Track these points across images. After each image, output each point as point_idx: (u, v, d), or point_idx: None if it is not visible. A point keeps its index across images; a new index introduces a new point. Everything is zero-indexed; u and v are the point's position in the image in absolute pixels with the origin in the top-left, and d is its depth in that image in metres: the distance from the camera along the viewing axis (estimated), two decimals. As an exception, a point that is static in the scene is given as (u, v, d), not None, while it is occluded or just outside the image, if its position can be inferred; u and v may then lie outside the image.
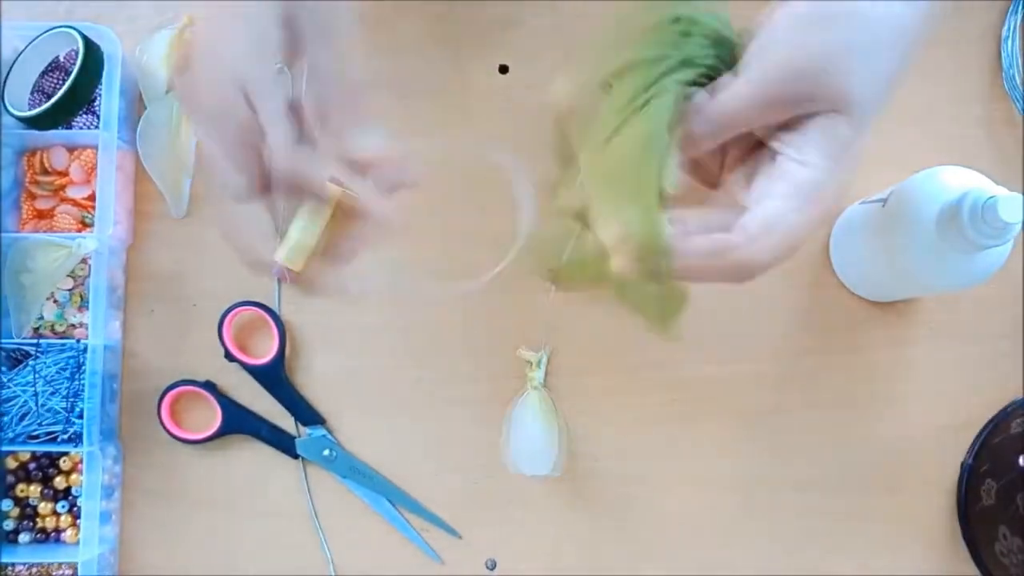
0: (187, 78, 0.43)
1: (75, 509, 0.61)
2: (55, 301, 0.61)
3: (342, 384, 0.63)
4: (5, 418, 0.59)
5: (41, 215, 0.62)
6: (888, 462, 0.62)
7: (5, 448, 0.59)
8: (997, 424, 0.62)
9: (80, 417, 0.59)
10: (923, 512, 0.62)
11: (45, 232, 0.61)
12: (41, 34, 0.62)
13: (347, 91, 0.44)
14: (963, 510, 0.61)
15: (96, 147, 0.61)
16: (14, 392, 0.59)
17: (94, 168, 0.62)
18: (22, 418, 0.59)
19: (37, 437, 0.59)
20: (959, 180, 0.51)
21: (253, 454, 0.62)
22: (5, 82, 0.62)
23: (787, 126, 0.40)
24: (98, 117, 0.62)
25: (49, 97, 0.62)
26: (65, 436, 0.59)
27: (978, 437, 0.62)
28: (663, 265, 0.39)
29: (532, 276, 0.62)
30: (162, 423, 0.61)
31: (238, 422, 0.62)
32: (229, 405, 0.62)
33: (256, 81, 0.42)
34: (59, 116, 0.62)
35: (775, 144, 0.40)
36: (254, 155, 0.42)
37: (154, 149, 0.63)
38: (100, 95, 0.62)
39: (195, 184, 0.64)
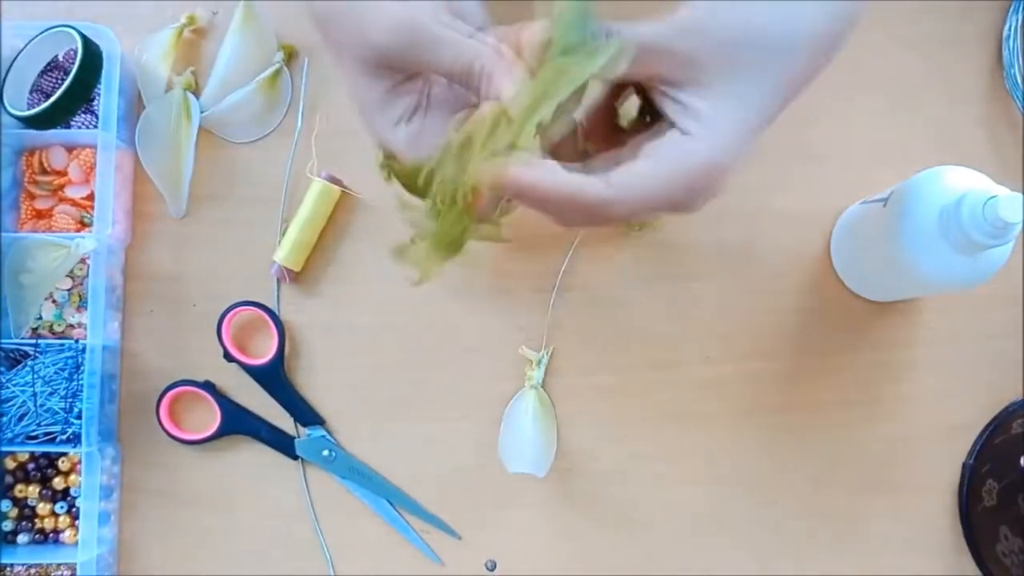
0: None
1: (74, 510, 0.61)
2: (54, 301, 0.61)
3: (342, 384, 0.63)
4: (4, 418, 0.58)
5: (40, 215, 0.62)
6: (889, 462, 0.62)
7: (4, 448, 0.59)
8: (998, 424, 0.62)
9: (79, 417, 0.58)
10: (924, 512, 0.62)
11: (44, 232, 0.61)
12: (40, 33, 0.62)
13: None
14: (964, 511, 0.61)
15: (95, 147, 0.61)
16: (12, 392, 0.59)
17: (93, 168, 0.62)
18: (21, 418, 0.59)
19: (36, 437, 0.59)
20: (960, 180, 0.51)
21: (252, 455, 0.62)
22: (4, 81, 0.62)
23: (681, 87, 0.41)
24: (97, 117, 0.62)
25: (48, 96, 0.62)
26: (64, 437, 0.59)
27: (979, 437, 0.62)
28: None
29: (534, 276, 0.63)
30: (161, 423, 0.61)
31: (237, 423, 0.62)
32: (228, 405, 0.62)
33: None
34: (58, 115, 0.62)
35: (668, 106, 0.42)
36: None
37: (153, 149, 0.63)
38: (99, 94, 0.62)
39: (194, 184, 0.64)
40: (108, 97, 0.60)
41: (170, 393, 0.62)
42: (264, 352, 0.62)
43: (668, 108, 0.42)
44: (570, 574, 0.61)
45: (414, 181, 0.46)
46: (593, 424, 0.62)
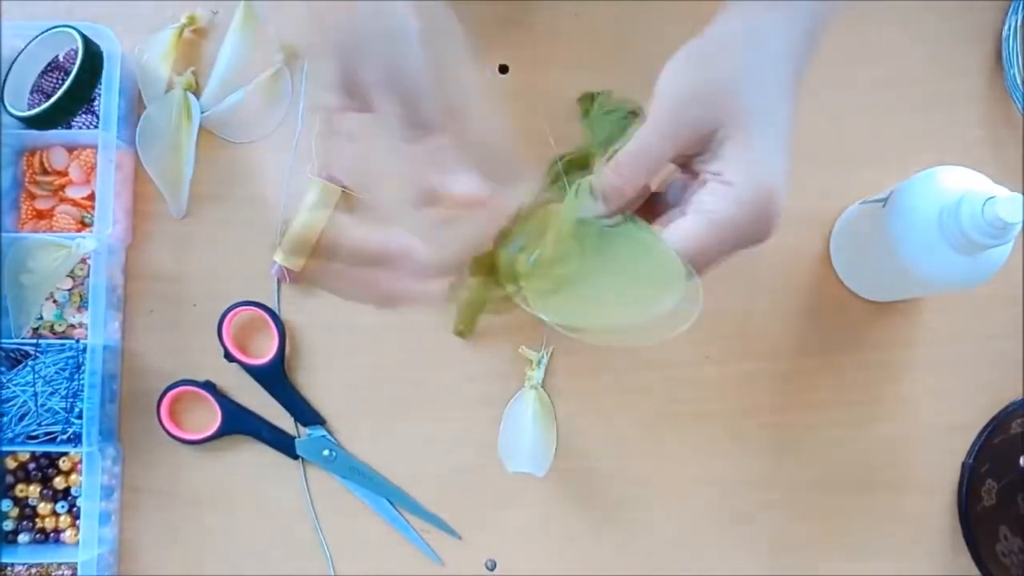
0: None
1: (74, 509, 0.61)
2: (54, 301, 0.61)
3: (342, 384, 0.63)
4: (4, 418, 0.59)
5: (40, 215, 0.62)
6: (889, 462, 0.62)
7: (4, 448, 0.59)
8: (998, 424, 0.62)
9: (79, 417, 0.58)
10: (924, 512, 0.62)
11: (44, 232, 0.61)
12: (40, 33, 0.62)
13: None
14: (964, 511, 0.61)
15: (95, 147, 0.61)
16: (13, 392, 0.59)
17: (93, 168, 0.62)
18: (21, 418, 0.59)
19: (36, 437, 0.59)
20: (959, 180, 0.51)
21: (253, 454, 0.62)
22: (4, 82, 0.62)
23: (702, 153, 0.44)
24: (97, 117, 0.62)
25: (48, 97, 0.62)
26: (64, 436, 0.59)
27: (978, 437, 0.62)
28: None
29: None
30: (161, 423, 0.61)
31: (238, 422, 0.62)
32: (229, 405, 0.62)
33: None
34: (58, 116, 0.62)
35: (697, 164, 0.44)
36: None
37: (154, 149, 0.63)
38: (99, 95, 0.62)
39: (195, 184, 0.64)
40: (108, 97, 0.60)
41: (171, 393, 0.62)
42: (264, 352, 0.62)
43: (698, 165, 0.44)
44: (570, 574, 0.62)
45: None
46: (593, 424, 0.62)
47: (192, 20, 0.64)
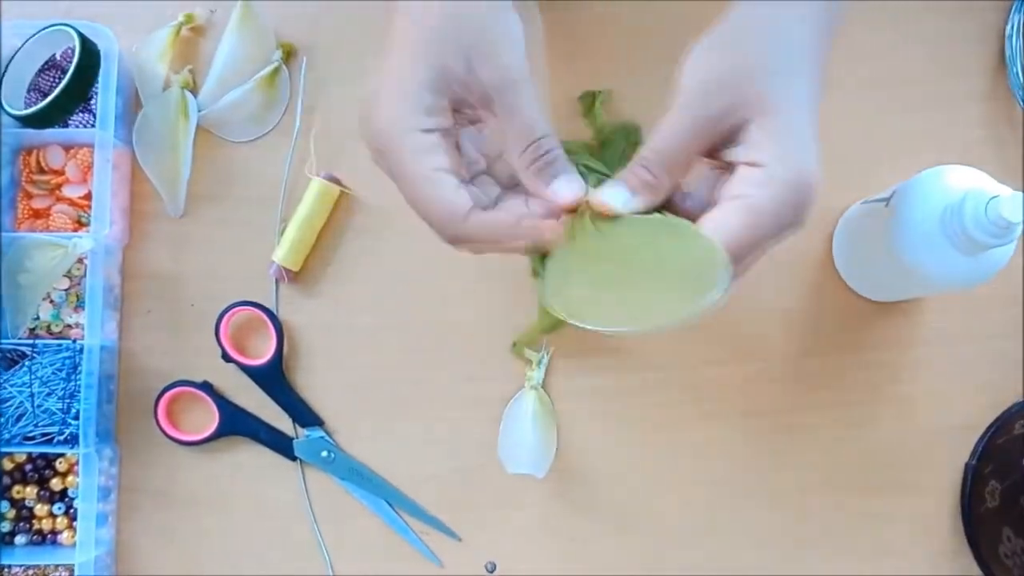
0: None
1: (71, 511, 0.60)
2: (51, 301, 0.61)
3: (340, 385, 0.62)
4: (1, 419, 0.58)
5: (37, 214, 0.62)
6: (891, 463, 0.62)
7: (1, 449, 0.59)
8: (1001, 425, 0.61)
9: (76, 418, 0.58)
10: (926, 514, 0.62)
11: (41, 231, 0.61)
12: (38, 32, 0.62)
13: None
14: (967, 512, 0.61)
15: (92, 146, 0.61)
16: (10, 393, 0.59)
17: (90, 167, 0.61)
18: (18, 419, 0.59)
19: (33, 438, 0.59)
20: (962, 179, 0.51)
21: (251, 456, 0.62)
22: (1, 80, 0.62)
23: (731, 143, 0.43)
24: (94, 116, 0.62)
25: (45, 95, 0.61)
26: (61, 437, 0.59)
27: (982, 438, 0.62)
28: None
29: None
30: (159, 424, 0.61)
31: (235, 423, 0.61)
32: (226, 406, 0.62)
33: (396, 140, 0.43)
34: (55, 114, 0.61)
35: (729, 158, 0.43)
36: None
37: (151, 148, 0.63)
38: (96, 93, 0.62)
39: (192, 183, 0.63)
40: (106, 96, 0.60)
41: (168, 394, 0.61)
42: (262, 352, 0.62)
43: (728, 155, 0.43)
44: (570, 574, 0.61)
45: None
46: (593, 425, 0.62)
47: (189, 18, 0.64)
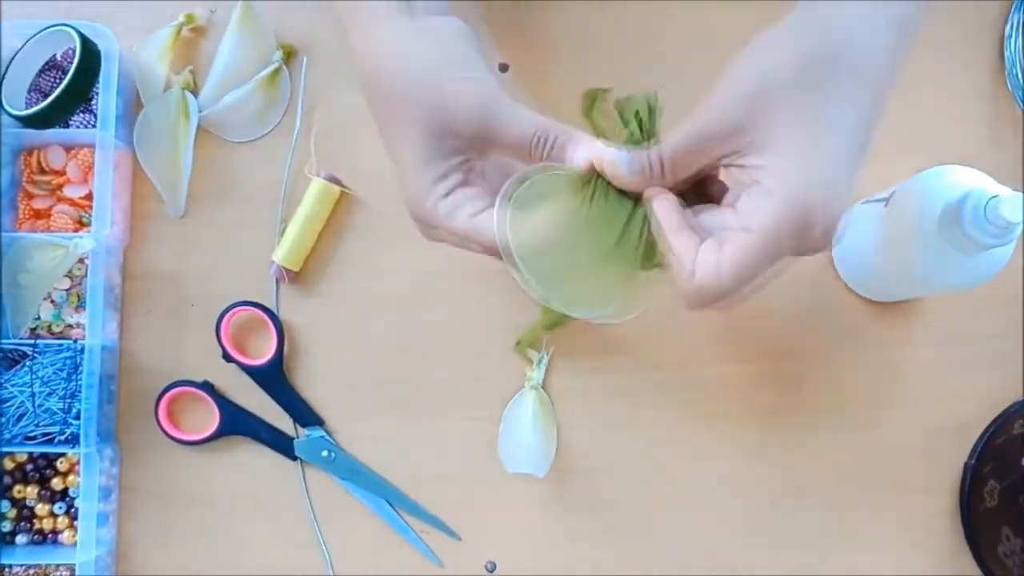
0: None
1: (72, 511, 0.61)
2: (52, 301, 0.61)
3: (341, 385, 0.62)
4: (2, 419, 0.58)
5: (38, 215, 0.62)
6: (890, 463, 0.62)
7: (2, 449, 0.59)
8: (1000, 425, 0.61)
9: (77, 418, 0.58)
10: (925, 513, 0.62)
11: (42, 232, 0.61)
12: (38, 32, 0.62)
13: None
14: (966, 511, 0.61)
15: (93, 146, 0.61)
16: (11, 393, 0.59)
17: (91, 167, 0.61)
18: (19, 419, 0.59)
19: (34, 438, 0.59)
20: (961, 179, 0.51)
21: (251, 455, 0.62)
22: (2, 81, 0.62)
23: (742, 154, 0.43)
24: (95, 116, 0.62)
25: (46, 96, 0.62)
26: (62, 437, 0.59)
27: (981, 438, 0.62)
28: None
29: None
30: (160, 424, 0.61)
31: (236, 423, 0.62)
32: (227, 406, 0.62)
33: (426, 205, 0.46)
34: (56, 115, 0.61)
35: (734, 174, 0.44)
36: None
37: (152, 148, 0.63)
38: (97, 94, 0.62)
39: (193, 183, 0.63)
40: (106, 96, 0.60)
41: (169, 393, 0.61)
42: (263, 352, 0.62)
43: (735, 175, 0.44)
44: (570, 574, 0.61)
45: None
46: (593, 424, 0.62)
47: (190, 19, 0.64)
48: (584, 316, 0.45)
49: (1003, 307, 0.63)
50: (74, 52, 0.60)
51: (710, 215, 0.44)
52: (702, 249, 0.43)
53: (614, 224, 0.45)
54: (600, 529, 0.62)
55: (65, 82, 0.60)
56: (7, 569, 0.60)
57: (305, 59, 0.64)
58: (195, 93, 0.64)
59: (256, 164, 0.64)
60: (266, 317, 0.62)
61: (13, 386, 0.59)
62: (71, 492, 0.61)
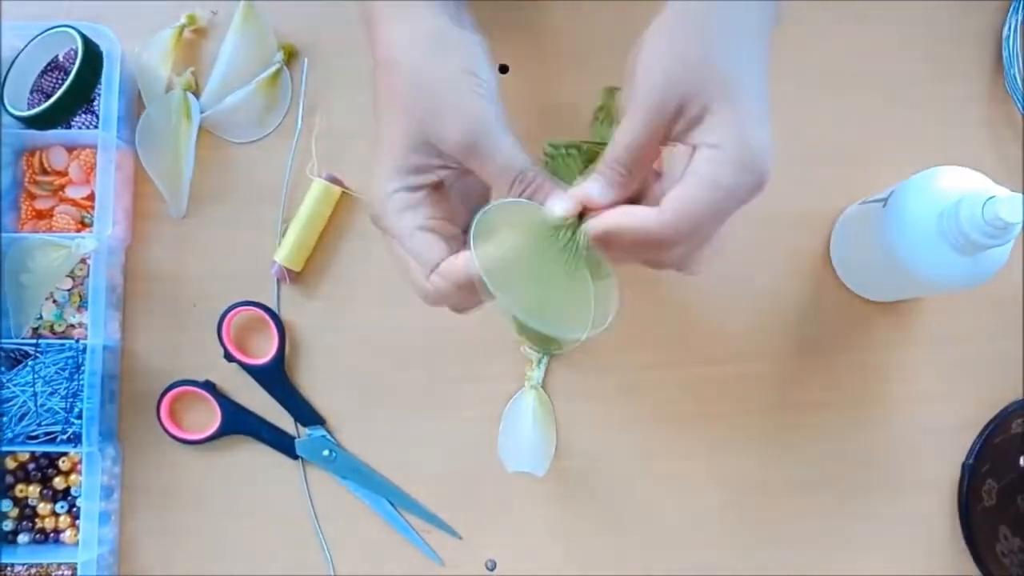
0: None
1: (74, 510, 0.61)
2: (54, 301, 0.61)
3: (342, 384, 0.63)
4: (4, 418, 0.58)
5: (40, 215, 0.62)
6: (889, 462, 0.62)
7: (4, 448, 0.59)
8: (998, 424, 0.62)
9: (79, 417, 0.58)
10: (924, 512, 0.62)
11: (44, 232, 0.61)
12: (40, 33, 0.62)
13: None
14: (964, 511, 0.61)
15: (95, 147, 0.61)
16: (13, 392, 0.59)
17: (93, 168, 0.62)
18: (21, 418, 0.59)
19: (36, 437, 0.59)
20: (960, 180, 0.51)
21: (253, 455, 0.62)
22: (4, 81, 0.62)
23: (692, 127, 0.44)
24: (97, 117, 0.62)
25: (48, 97, 0.62)
26: (64, 436, 0.59)
27: (979, 437, 0.62)
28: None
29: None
30: (161, 423, 0.61)
31: (238, 422, 0.62)
32: (229, 405, 0.62)
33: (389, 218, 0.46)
34: (58, 116, 0.62)
35: (691, 140, 0.44)
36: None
37: (153, 149, 0.63)
38: (99, 95, 0.62)
39: (194, 184, 0.64)
40: (108, 97, 0.60)
41: (170, 393, 0.62)
42: (264, 352, 0.62)
43: (689, 137, 0.44)
44: (570, 574, 0.62)
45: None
46: (593, 424, 0.62)
47: (192, 20, 0.64)
48: (544, 330, 0.45)
49: (1001, 307, 0.63)
50: (76, 53, 0.60)
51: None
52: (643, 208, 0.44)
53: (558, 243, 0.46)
54: (600, 528, 0.62)
55: (67, 83, 0.60)
56: (9, 568, 0.60)
57: (306, 60, 0.65)
58: (197, 94, 0.64)
59: (257, 165, 0.64)
60: (267, 317, 0.62)
61: (15, 385, 0.59)
62: (73, 491, 0.61)
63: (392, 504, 0.62)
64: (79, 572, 0.58)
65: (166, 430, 0.61)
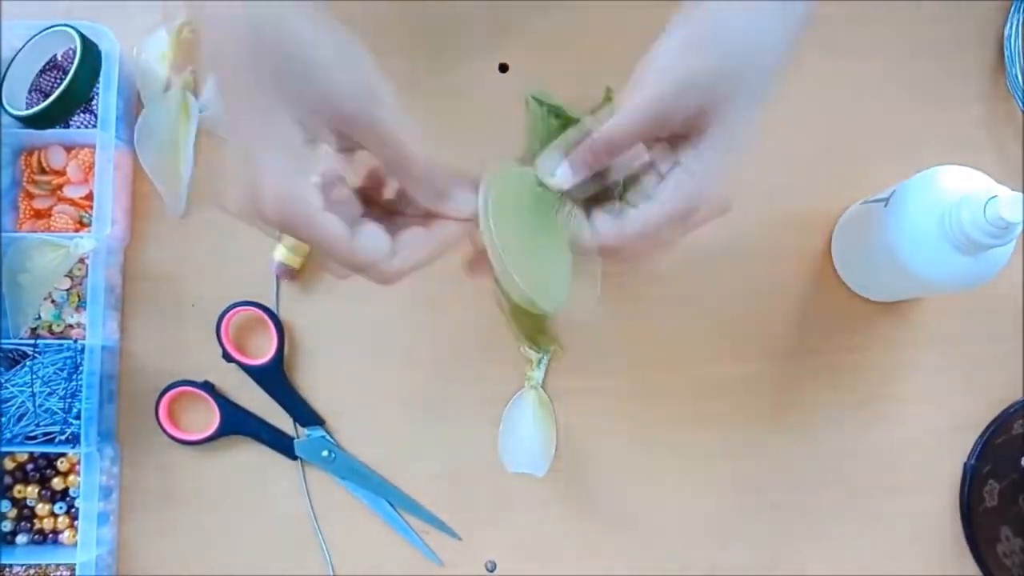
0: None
1: (73, 510, 0.61)
2: (52, 301, 0.61)
3: (341, 385, 0.62)
4: (2, 419, 0.58)
5: (38, 215, 0.62)
6: (890, 463, 0.62)
7: (3, 449, 0.59)
8: (999, 425, 0.62)
9: (78, 418, 0.58)
10: (925, 513, 0.62)
11: (43, 232, 0.61)
12: (39, 33, 0.62)
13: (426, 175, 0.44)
14: (965, 511, 0.61)
15: (94, 146, 0.61)
16: (11, 393, 0.59)
17: (92, 167, 0.61)
18: (19, 419, 0.59)
19: (35, 438, 0.59)
20: (961, 180, 0.51)
21: (251, 455, 0.62)
22: (3, 81, 0.62)
23: (677, 140, 0.44)
24: (96, 116, 0.62)
25: (47, 96, 0.62)
26: (63, 437, 0.59)
27: (980, 438, 0.62)
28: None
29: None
30: (160, 424, 0.61)
31: (236, 423, 0.62)
32: (227, 406, 0.62)
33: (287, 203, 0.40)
34: (57, 115, 0.61)
35: (672, 155, 0.45)
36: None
37: (152, 148, 0.63)
38: (98, 94, 0.62)
39: (193, 183, 0.63)
40: (107, 97, 0.60)
41: (169, 393, 0.61)
42: (263, 352, 0.62)
43: (671, 145, 0.45)
44: (570, 574, 0.61)
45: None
46: (593, 424, 0.62)
47: (191, 20, 0.64)
48: (536, 299, 0.45)
49: (1003, 307, 0.63)
50: (74, 53, 0.60)
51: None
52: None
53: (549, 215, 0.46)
54: (600, 528, 0.62)
55: (66, 82, 0.60)
56: (7, 569, 0.60)
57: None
58: (196, 93, 0.64)
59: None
60: (266, 317, 0.62)
61: (14, 386, 0.59)
62: (71, 492, 0.61)
63: (391, 504, 0.62)
64: (78, 573, 0.58)
65: (165, 430, 0.61)
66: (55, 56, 0.64)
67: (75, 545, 0.59)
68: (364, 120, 0.41)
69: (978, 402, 0.62)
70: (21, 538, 0.60)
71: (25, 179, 0.63)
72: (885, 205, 0.54)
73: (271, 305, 0.63)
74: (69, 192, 0.62)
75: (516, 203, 0.45)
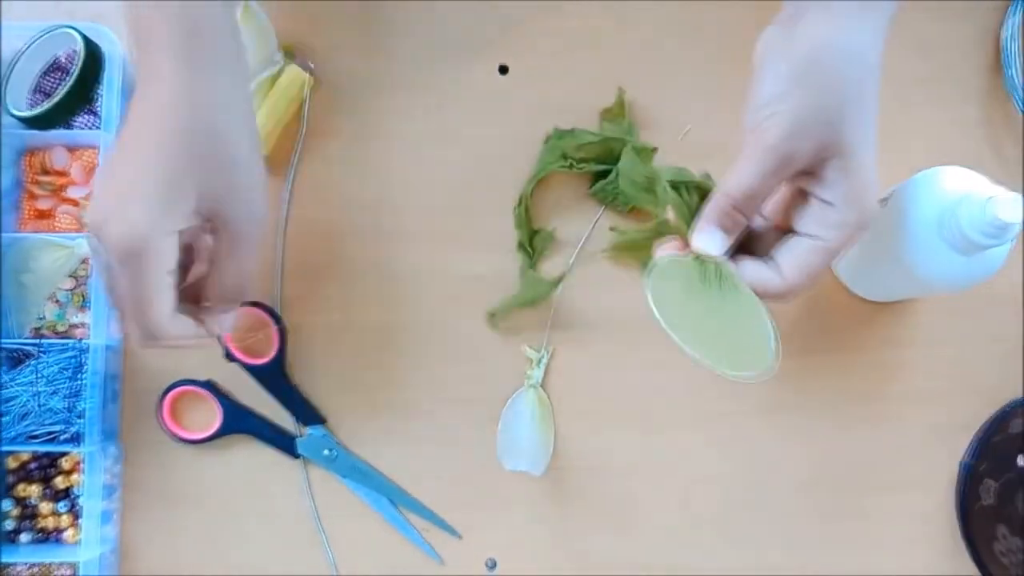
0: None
1: (75, 509, 0.61)
2: (56, 301, 0.61)
3: (343, 383, 0.63)
4: (6, 418, 0.59)
5: (41, 215, 0.62)
6: (887, 462, 0.62)
7: (5, 448, 0.59)
8: (997, 424, 0.62)
9: (81, 417, 0.59)
10: (922, 512, 0.62)
11: (46, 232, 0.61)
12: (41, 34, 0.62)
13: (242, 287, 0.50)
14: (962, 510, 0.61)
15: (97, 147, 0.61)
16: (15, 392, 0.59)
17: (95, 168, 0.62)
18: (23, 418, 0.59)
19: (37, 437, 0.59)
20: (959, 180, 0.51)
21: (254, 454, 0.62)
22: (5, 82, 0.62)
23: (806, 173, 0.45)
24: (99, 117, 0.62)
25: (49, 97, 0.62)
26: (66, 436, 0.59)
27: (977, 437, 0.62)
28: None
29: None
30: (163, 423, 0.62)
31: (239, 422, 0.62)
32: (230, 405, 0.62)
33: (152, 241, 0.45)
34: (59, 116, 0.62)
35: (802, 185, 0.46)
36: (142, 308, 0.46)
37: (154, 149, 0.63)
38: (100, 95, 0.62)
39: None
40: (109, 97, 0.61)
41: (172, 392, 0.62)
42: (265, 351, 0.62)
43: (800, 183, 0.46)
44: (570, 573, 0.62)
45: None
46: (592, 424, 0.62)
47: (193, 20, 0.64)
48: (724, 371, 0.48)
49: (1001, 307, 0.63)
50: (77, 54, 0.61)
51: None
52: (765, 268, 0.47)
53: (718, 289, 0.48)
54: (599, 527, 0.62)
55: (68, 83, 0.61)
56: (10, 568, 0.60)
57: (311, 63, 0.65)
58: (197, 94, 0.64)
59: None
60: (268, 316, 0.62)
61: (17, 385, 0.59)
62: (74, 491, 0.61)
63: (392, 503, 0.62)
64: (80, 571, 0.58)
65: (167, 429, 0.62)
66: (57, 57, 0.64)
67: (78, 544, 0.59)
68: (238, 227, 0.47)
69: (975, 401, 0.62)
70: (24, 537, 0.61)
71: (28, 180, 0.63)
72: (883, 205, 0.54)
73: (273, 304, 0.63)
74: (72, 193, 0.62)
75: (684, 291, 0.47)
